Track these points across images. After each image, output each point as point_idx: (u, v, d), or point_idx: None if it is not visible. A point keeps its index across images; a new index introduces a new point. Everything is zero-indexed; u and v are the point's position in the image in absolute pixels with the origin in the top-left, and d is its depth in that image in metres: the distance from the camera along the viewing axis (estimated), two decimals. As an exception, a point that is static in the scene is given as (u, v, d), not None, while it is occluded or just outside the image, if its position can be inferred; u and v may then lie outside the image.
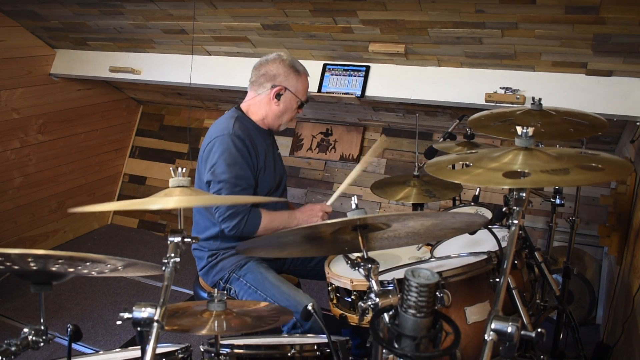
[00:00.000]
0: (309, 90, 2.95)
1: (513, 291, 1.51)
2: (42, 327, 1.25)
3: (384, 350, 1.26)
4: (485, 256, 1.58)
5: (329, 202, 2.25)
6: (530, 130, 1.20)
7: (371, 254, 1.28)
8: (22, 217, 3.78)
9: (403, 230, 1.36)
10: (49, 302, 3.20)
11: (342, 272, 1.80)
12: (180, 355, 1.50)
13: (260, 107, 2.21)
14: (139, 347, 1.13)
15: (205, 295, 2.23)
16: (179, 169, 1.30)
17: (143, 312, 1.07)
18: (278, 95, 2.18)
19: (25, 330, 1.23)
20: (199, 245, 2.23)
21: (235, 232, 2.05)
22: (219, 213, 2.05)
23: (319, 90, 3.00)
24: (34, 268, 1.13)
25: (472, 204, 2.34)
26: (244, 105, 2.25)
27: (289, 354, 1.57)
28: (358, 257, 1.28)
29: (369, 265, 1.25)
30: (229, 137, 2.07)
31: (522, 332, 0.97)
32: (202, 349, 1.64)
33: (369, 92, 2.91)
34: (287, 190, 2.45)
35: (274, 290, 2.05)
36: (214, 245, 2.19)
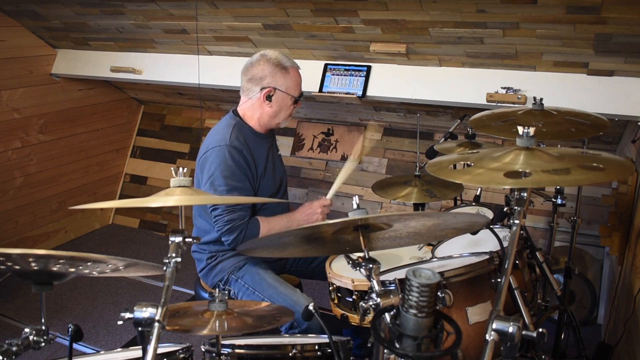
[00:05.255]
0: (310, 89, 2.98)
1: (514, 291, 1.50)
2: (43, 327, 1.24)
3: (385, 351, 1.26)
4: (486, 256, 1.58)
5: (328, 196, 2.24)
6: (532, 130, 1.19)
7: (372, 254, 1.28)
8: (23, 217, 3.79)
9: (404, 230, 1.36)
10: (50, 302, 3.21)
11: (343, 272, 1.80)
12: (181, 356, 1.50)
13: (254, 110, 2.19)
14: (140, 347, 1.12)
15: (206, 295, 2.23)
16: (180, 169, 1.30)
17: (144, 312, 1.07)
18: (269, 97, 2.14)
19: (27, 330, 1.23)
20: (199, 248, 2.23)
21: (235, 245, 2.05)
22: (218, 227, 2.06)
23: (320, 90, 3.00)
24: (35, 268, 1.13)
25: (474, 203, 2.34)
26: (240, 110, 2.22)
27: (290, 354, 1.57)
28: (359, 257, 1.28)
29: (370, 265, 1.25)
30: (225, 148, 2.05)
31: (524, 332, 0.97)
32: (203, 349, 1.64)
33: (370, 92, 2.91)
34: (288, 190, 2.44)
35: (272, 291, 2.05)
36: (213, 248, 2.19)
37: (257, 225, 2.08)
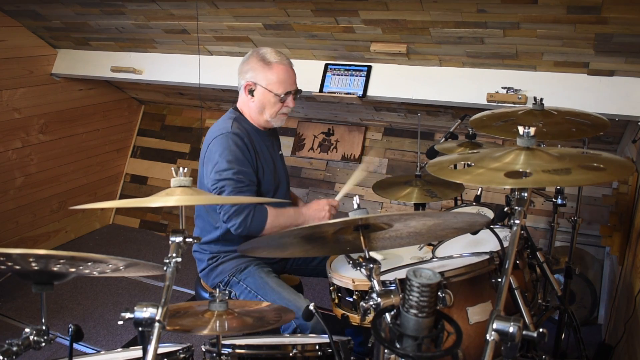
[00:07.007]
0: (311, 89, 2.98)
1: (515, 291, 1.50)
2: (44, 327, 1.24)
3: (385, 350, 1.26)
4: (487, 256, 1.58)
5: (337, 198, 2.24)
6: (532, 130, 1.19)
7: (373, 254, 1.28)
8: (24, 217, 3.79)
9: (405, 230, 1.36)
10: (51, 302, 3.21)
11: (343, 272, 1.80)
12: (181, 356, 1.50)
13: (244, 106, 2.21)
14: (141, 347, 1.12)
15: (206, 295, 2.23)
16: (181, 168, 1.30)
17: (144, 312, 1.07)
18: (251, 92, 2.15)
19: (27, 330, 1.23)
20: (200, 248, 2.22)
21: (242, 229, 2.01)
22: (224, 211, 2.03)
23: (321, 90, 3.00)
24: (36, 268, 1.13)
25: (474, 203, 2.34)
26: (238, 106, 2.25)
27: (291, 354, 1.57)
28: (360, 257, 1.28)
29: (371, 265, 1.25)
30: (227, 135, 2.06)
31: (524, 332, 0.97)
32: (203, 349, 1.64)
33: (371, 92, 2.91)
34: (289, 191, 2.43)
35: (274, 296, 2.04)
36: (215, 249, 2.19)
37: (265, 211, 2.05)
